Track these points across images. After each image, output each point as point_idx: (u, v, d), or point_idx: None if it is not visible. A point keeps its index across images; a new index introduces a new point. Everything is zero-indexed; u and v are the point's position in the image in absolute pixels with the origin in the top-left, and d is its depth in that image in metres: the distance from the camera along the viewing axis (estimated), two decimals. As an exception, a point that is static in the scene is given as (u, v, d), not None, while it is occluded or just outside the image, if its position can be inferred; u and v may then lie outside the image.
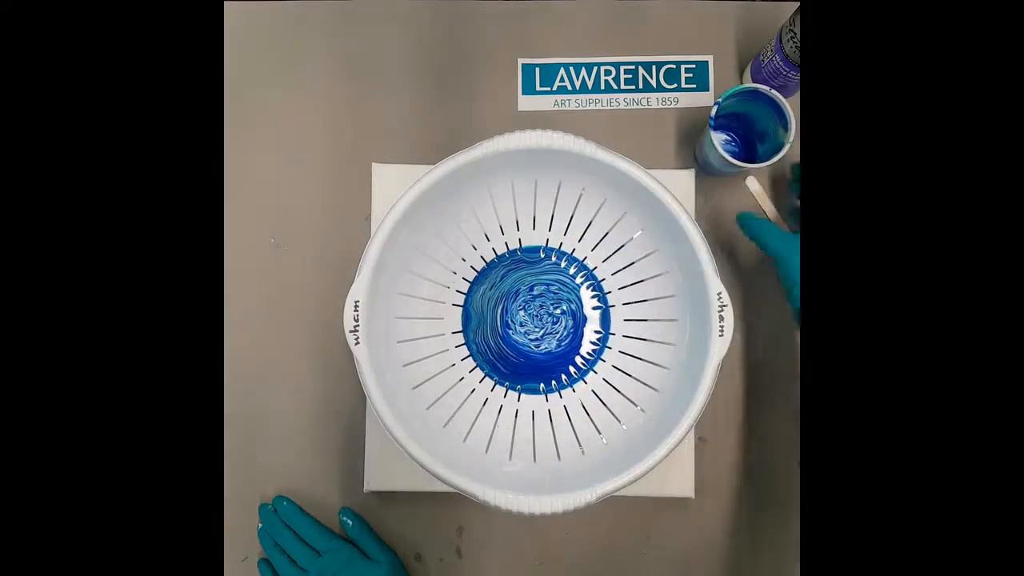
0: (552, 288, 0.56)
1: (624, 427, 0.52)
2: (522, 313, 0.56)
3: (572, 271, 0.56)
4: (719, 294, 0.46)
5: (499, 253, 0.56)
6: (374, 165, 0.59)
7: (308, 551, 0.53)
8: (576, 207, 0.54)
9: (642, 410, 0.52)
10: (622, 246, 0.54)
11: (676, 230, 0.48)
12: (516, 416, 0.54)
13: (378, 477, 0.55)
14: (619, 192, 0.51)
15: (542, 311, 0.56)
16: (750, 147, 0.58)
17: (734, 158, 0.53)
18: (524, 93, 0.61)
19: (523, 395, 0.55)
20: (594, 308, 0.56)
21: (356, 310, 0.46)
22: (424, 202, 0.48)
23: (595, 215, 0.54)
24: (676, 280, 0.52)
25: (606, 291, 0.56)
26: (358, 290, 0.46)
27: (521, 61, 0.61)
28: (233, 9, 0.61)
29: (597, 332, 0.56)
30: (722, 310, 0.46)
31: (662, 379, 0.52)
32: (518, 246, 0.56)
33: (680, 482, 0.55)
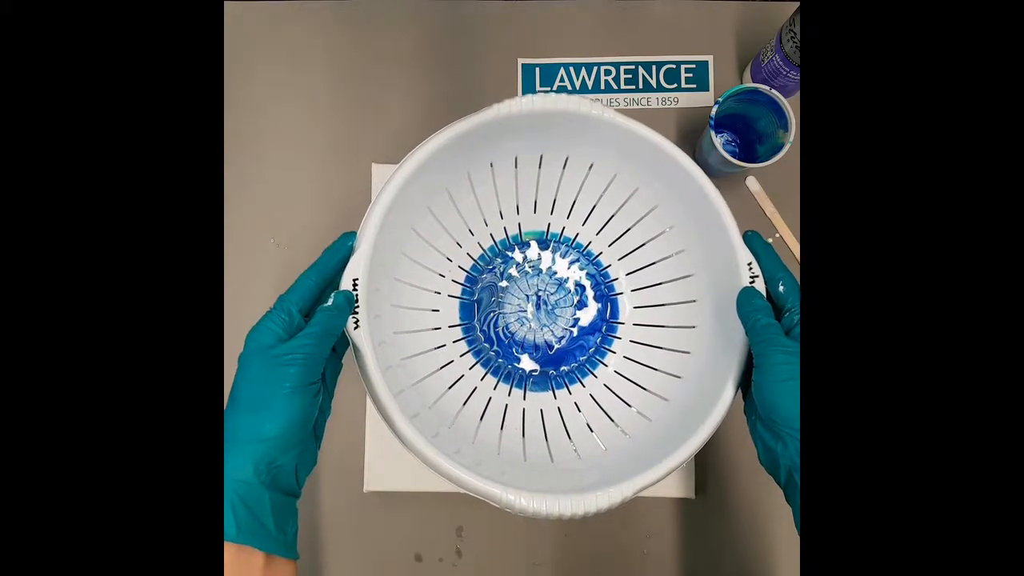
0: (554, 277, 0.55)
1: (649, 419, 0.49)
2: (523, 303, 0.54)
3: (575, 256, 0.54)
4: (749, 264, 0.42)
5: (498, 239, 0.54)
6: (374, 165, 0.59)
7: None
8: (582, 185, 0.51)
9: (665, 399, 0.48)
10: (634, 224, 0.51)
11: (698, 198, 0.44)
12: (524, 414, 0.51)
13: (378, 477, 0.55)
14: (632, 165, 0.48)
15: (545, 298, 0.54)
16: (750, 147, 0.58)
17: (734, 158, 0.53)
18: (524, 93, 0.61)
19: (529, 392, 0.52)
20: (601, 295, 0.54)
21: (355, 289, 0.41)
22: (425, 171, 0.43)
23: (603, 192, 0.51)
24: (695, 257, 0.48)
25: (612, 277, 0.54)
26: (356, 267, 0.41)
27: (521, 61, 0.61)
28: (233, 9, 0.61)
29: (604, 322, 0.54)
30: (753, 281, 0.42)
31: (684, 365, 0.48)
32: (518, 232, 0.54)
33: (680, 482, 0.55)
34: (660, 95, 0.61)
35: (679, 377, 0.49)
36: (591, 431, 0.50)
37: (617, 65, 0.61)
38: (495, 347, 0.54)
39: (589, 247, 0.54)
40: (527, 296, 0.54)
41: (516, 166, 0.50)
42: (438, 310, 0.53)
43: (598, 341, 0.54)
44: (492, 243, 0.54)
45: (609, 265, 0.54)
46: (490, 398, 0.52)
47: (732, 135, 0.59)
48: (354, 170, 0.59)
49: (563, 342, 0.54)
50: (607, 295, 0.54)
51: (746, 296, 0.41)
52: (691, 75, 0.61)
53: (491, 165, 0.49)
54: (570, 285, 0.55)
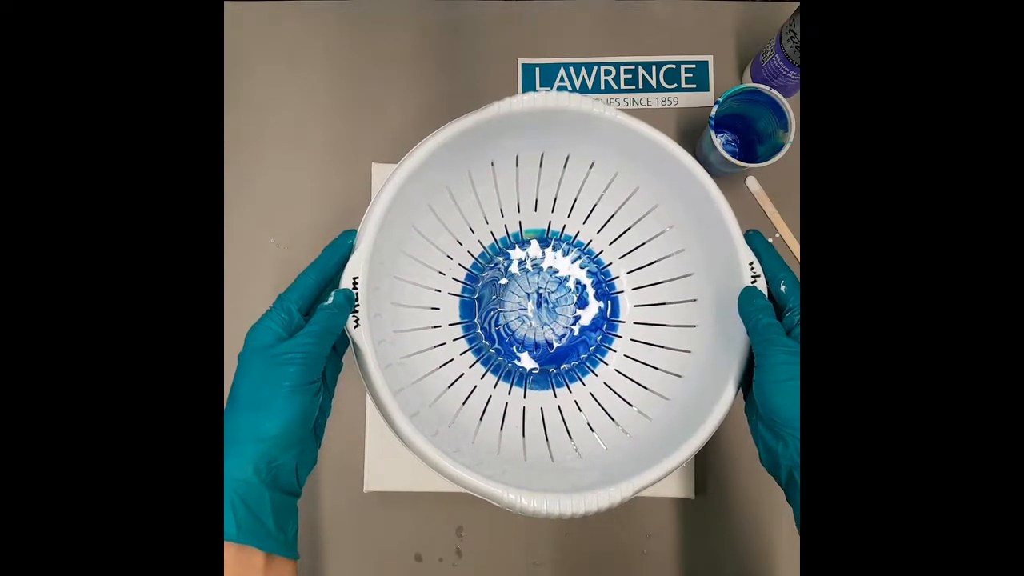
0: (554, 275, 0.55)
1: (650, 419, 0.48)
2: (523, 301, 0.54)
3: (576, 255, 0.54)
4: (751, 264, 0.42)
5: (499, 237, 0.54)
6: (374, 165, 0.59)
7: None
8: (583, 184, 0.51)
9: (666, 399, 0.48)
10: (635, 223, 0.51)
11: (699, 197, 0.44)
12: (524, 413, 0.51)
13: (378, 477, 0.55)
14: (633, 163, 0.48)
15: (545, 297, 0.54)
16: (750, 147, 0.58)
17: (734, 158, 0.53)
18: (524, 93, 0.61)
19: (529, 390, 0.52)
20: (601, 294, 0.54)
21: (355, 287, 0.41)
22: (426, 169, 0.43)
23: (604, 190, 0.51)
24: (696, 256, 0.48)
25: (613, 276, 0.54)
26: (356, 265, 0.41)
27: (521, 61, 0.61)
28: (233, 9, 0.61)
29: (605, 320, 0.54)
30: (754, 280, 0.42)
31: (684, 364, 0.49)
32: (519, 230, 0.54)
33: (680, 482, 0.55)
34: (660, 95, 0.61)
35: (680, 376, 0.49)
36: (591, 430, 0.50)
37: (617, 65, 0.61)
38: (495, 345, 0.54)
39: (590, 245, 0.54)
40: (527, 294, 0.54)
41: (517, 164, 0.50)
42: (438, 308, 0.53)
43: (598, 339, 0.54)
44: (493, 241, 0.54)
45: (610, 263, 0.54)
46: (490, 396, 0.51)
47: (732, 135, 0.59)
48: (354, 170, 0.59)
49: (563, 340, 0.54)
50: (608, 293, 0.54)
51: (747, 296, 0.41)
52: (691, 75, 0.61)
53: (492, 164, 0.49)
54: (571, 283, 0.55)
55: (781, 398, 0.36)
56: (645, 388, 0.50)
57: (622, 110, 0.44)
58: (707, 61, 0.61)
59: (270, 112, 0.60)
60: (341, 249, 0.41)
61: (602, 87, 0.61)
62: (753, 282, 0.42)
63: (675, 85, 0.61)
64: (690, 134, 0.60)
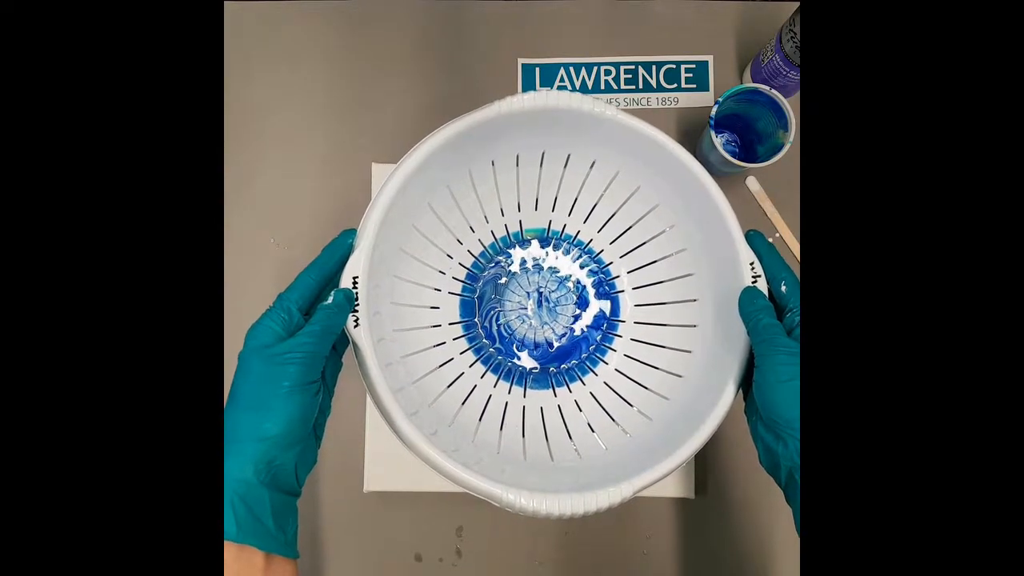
0: (555, 274, 0.55)
1: (650, 418, 0.48)
2: (523, 301, 0.54)
3: (576, 254, 0.54)
4: (752, 264, 0.42)
5: (499, 237, 0.54)
6: (374, 165, 0.59)
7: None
8: (584, 183, 0.51)
9: (666, 398, 0.48)
10: (636, 222, 0.51)
11: (700, 197, 0.44)
12: (524, 412, 0.51)
13: (378, 477, 0.55)
14: (633, 162, 0.48)
15: (545, 296, 0.54)
16: (750, 147, 0.58)
17: (734, 158, 0.53)
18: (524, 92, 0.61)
19: (529, 390, 0.52)
20: (602, 293, 0.54)
21: (355, 287, 0.41)
22: (427, 168, 0.43)
23: (605, 190, 0.51)
24: (696, 256, 0.49)
25: (613, 275, 0.54)
26: (356, 264, 0.41)
27: (521, 61, 0.61)
28: (233, 9, 0.61)
29: (605, 319, 0.54)
30: (755, 280, 0.42)
31: (684, 364, 0.49)
32: (519, 229, 0.54)
33: (680, 482, 0.55)
34: (660, 95, 0.61)
35: (680, 376, 0.49)
36: (591, 430, 0.50)
37: (617, 65, 0.61)
38: (496, 344, 0.54)
39: (590, 245, 0.54)
40: (528, 293, 0.54)
41: (518, 164, 0.50)
42: (438, 307, 0.53)
43: (599, 339, 0.54)
44: (493, 240, 0.54)
45: (610, 263, 0.54)
46: (490, 396, 0.51)
47: (732, 135, 0.59)
48: (354, 170, 0.59)
49: (563, 340, 0.54)
50: (608, 293, 0.54)
51: (748, 296, 0.41)
52: (691, 75, 0.61)
53: (492, 163, 0.50)
54: (571, 283, 0.55)
55: (781, 398, 0.36)
56: (645, 388, 0.50)
57: (622, 110, 0.44)
58: (707, 61, 0.61)
59: (270, 112, 0.60)
60: (341, 248, 0.41)
61: (602, 87, 0.61)
62: (754, 282, 0.42)
63: (675, 85, 0.61)
64: (690, 134, 0.60)
